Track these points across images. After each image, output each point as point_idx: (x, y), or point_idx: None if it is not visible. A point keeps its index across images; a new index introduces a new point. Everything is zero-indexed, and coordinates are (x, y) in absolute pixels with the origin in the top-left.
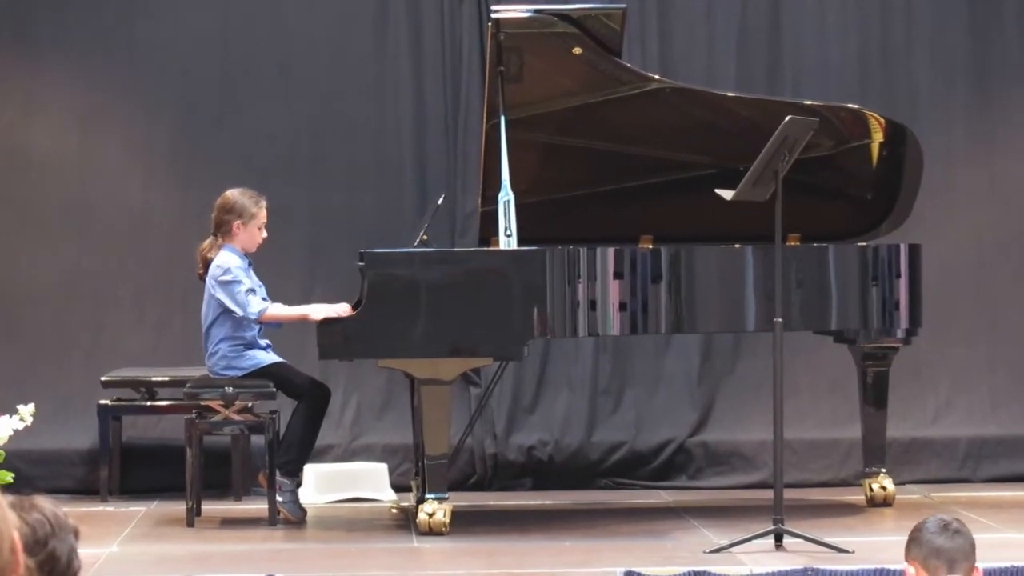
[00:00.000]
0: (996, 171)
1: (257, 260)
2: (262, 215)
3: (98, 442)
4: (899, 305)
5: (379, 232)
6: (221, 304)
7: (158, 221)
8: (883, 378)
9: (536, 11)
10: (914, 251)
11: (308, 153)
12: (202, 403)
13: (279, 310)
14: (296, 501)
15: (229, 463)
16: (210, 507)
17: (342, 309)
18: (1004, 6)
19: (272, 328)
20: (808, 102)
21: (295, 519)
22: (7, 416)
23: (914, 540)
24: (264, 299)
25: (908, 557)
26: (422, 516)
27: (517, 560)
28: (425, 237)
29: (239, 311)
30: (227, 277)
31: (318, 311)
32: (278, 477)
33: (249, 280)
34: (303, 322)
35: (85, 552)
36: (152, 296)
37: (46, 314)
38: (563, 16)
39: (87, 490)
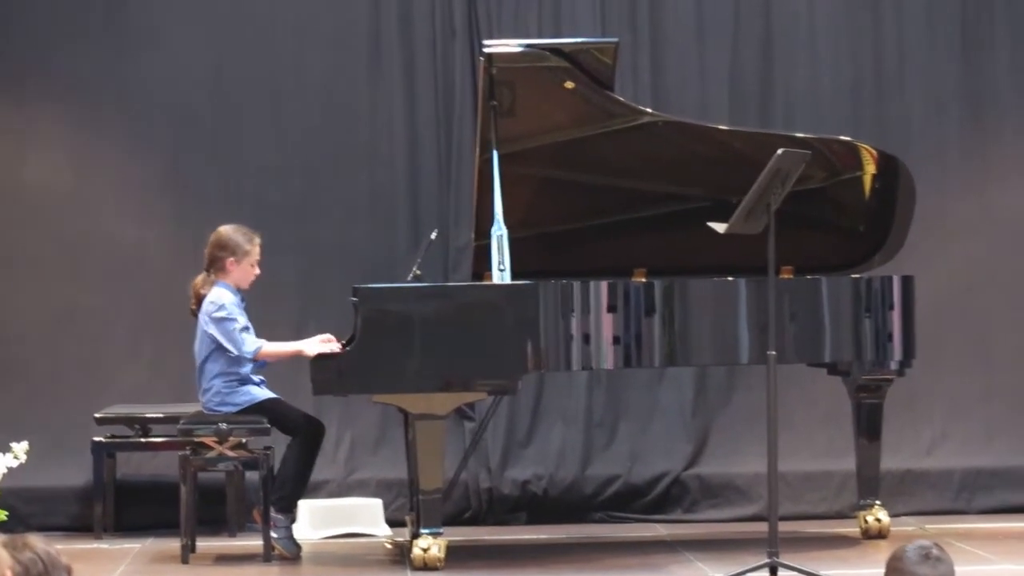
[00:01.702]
0: (989, 202)
1: (250, 295)
2: (256, 252)
3: (92, 479)
4: (892, 337)
5: (372, 267)
6: (215, 340)
7: (152, 257)
8: (877, 410)
9: (528, 45)
10: (907, 283)
11: (301, 188)
12: (196, 439)
13: (273, 348)
14: (291, 537)
15: (223, 499)
16: (205, 543)
17: (335, 345)
18: (996, 38)
19: (258, 365)
20: (800, 134)
21: (290, 555)
22: (1, 454)
23: (896, 570)
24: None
25: None
26: (417, 551)
27: None
28: (418, 272)
29: (234, 350)
30: (221, 314)
31: (311, 347)
32: (272, 513)
33: (243, 317)
34: (297, 358)
35: None
36: (146, 333)
37: (40, 351)
38: (555, 50)
39: (81, 527)
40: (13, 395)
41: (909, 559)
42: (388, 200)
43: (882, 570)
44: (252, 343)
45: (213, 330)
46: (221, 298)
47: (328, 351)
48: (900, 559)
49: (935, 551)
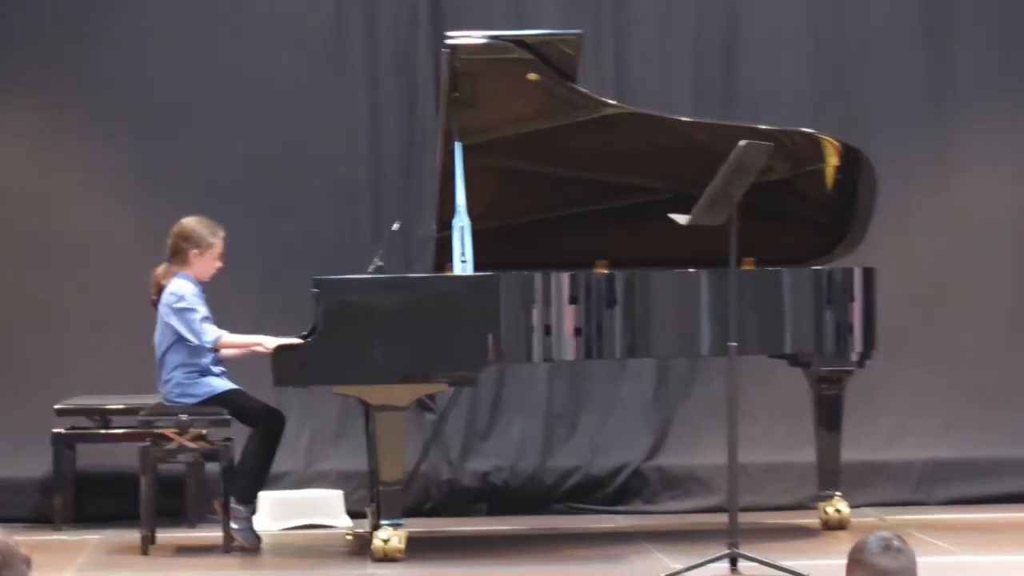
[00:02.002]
0: (951, 195)
1: (211, 286)
2: (219, 245)
3: (52, 470)
4: (853, 329)
5: (334, 258)
6: (175, 331)
7: (114, 248)
8: (837, 401)
9: (492, 37)
10: (868, 275)
11: (263, 179)
12: (157, 431)
13: (233, 339)
14: (251, 528)
15: (184, 491)
16: (165, 535)
17: (295, 341)
18: (959, 31)
19: (219, 356)
20: (763, 126)
21: (250, 546)
22: None
23: (857, 562)
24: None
25: None
26: (377, 542)
27: None
28: (380, 263)
29: (194, 340)
30: (182, 304)
31: (271, 341)
32: (233, 504)
33: (204, 308)
34: (258, 349)
35: None
36: (107, 323)
37: (0, 342)
38: (519, 42)
39: (41, 519)
40: None
41: (870, 550)
42: (351, 191)
43: (842, 561)
44: (212, 333)
45: (173, 321)
46: (182, 289)
47: (288, 343)
48: (861, 550)
49: (896, 542)
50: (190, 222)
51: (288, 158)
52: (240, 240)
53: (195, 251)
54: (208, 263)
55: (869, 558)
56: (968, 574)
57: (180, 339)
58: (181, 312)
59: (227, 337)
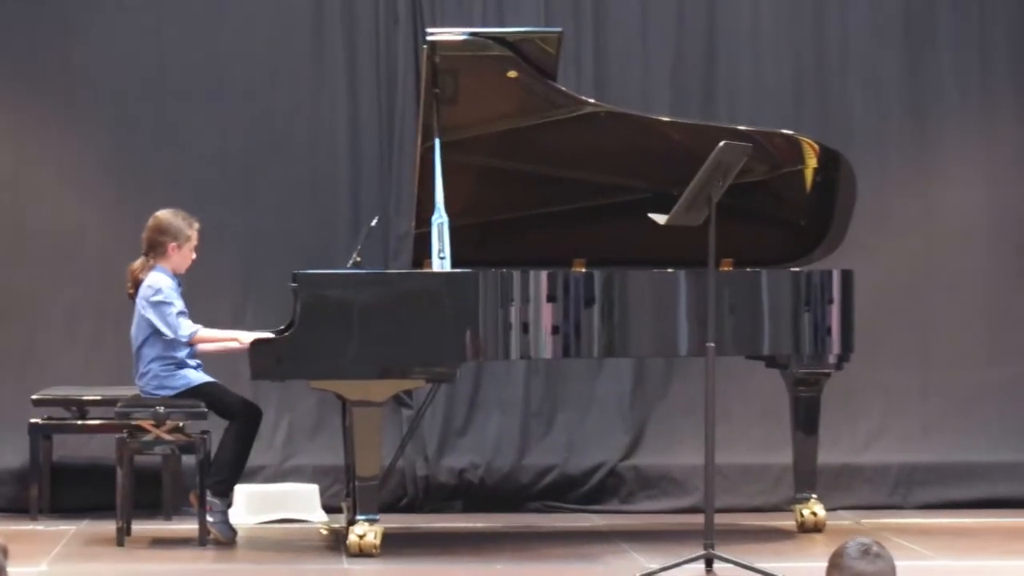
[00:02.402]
0: (929, 198)
1: (189, 280)
2: (195, 237)
3: (28, 461)
4: (831, 331)
5: (312, 253)
6: (152, 324)
7: (91, 240)
8: (815, 403)
9: (472, 34)
10: (847, 277)
11: (241, 174)
12: (133, 423)
13: (209, 333)
14: (226, 521)
15: (160, 483)
16: (140, 527)
17: (270, 336)
18: (938, 34)
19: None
20: (742, 127)
21: (225, 539)
22: None
23: (835, 566)
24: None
25: None
26: (352, 538)
27: None
28: (358, 259)
29: (169, 333)
30: (159, 298)
31: (247, 336)
32: (209, 497)
33: (180, 302)
34: (233, 344)
35: (14, 571)
36: (84, 315)
37: None
38: (499, 39)
39: (17, 509)
40: None
41: (849, 555)
42: (329, 187)
43: (818, 564)
44: (188, 327)
45: (150, 314)
46: (159, 282)
47: (264, 337)
48: (841, 555)
49: (875, 548)
50: (166, 215)
51: (266, 153)
52: (218, 235)
53: (173, 243)
54: (185, 255)
55: (848, 562)
56: None
57: (156, 332)
58: (157, 306)
59: (203, 332)
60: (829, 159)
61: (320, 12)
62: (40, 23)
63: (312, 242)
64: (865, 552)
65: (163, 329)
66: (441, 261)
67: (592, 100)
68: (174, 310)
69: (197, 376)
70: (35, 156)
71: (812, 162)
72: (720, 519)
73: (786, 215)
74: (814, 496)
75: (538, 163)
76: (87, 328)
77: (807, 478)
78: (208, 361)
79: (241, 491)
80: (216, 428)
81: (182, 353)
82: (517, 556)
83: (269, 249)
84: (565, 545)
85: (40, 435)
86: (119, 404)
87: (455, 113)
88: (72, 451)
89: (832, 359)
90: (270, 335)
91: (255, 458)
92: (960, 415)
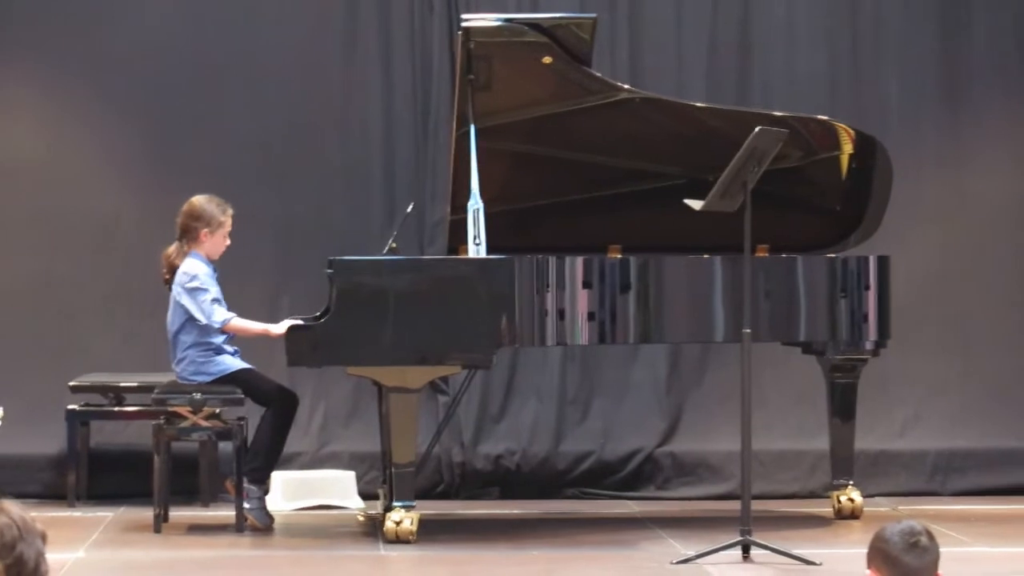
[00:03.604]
0: (965, 183)
1: (224, 267)
2: (228, 223)
3: (66, 447)
4: (868, 317)
5: (348, 240)
6: (187, 311)
7: (127, 227)
8: (851, 390)
9: (506, 20)
10: (883, 263)
11: (277, 160)
12: (170, 409)
13: (242, 323)
14: (263, 508)
15: (196, 469)
16: (177, 513)
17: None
18: (974, 19)
19: (230, 336)
20: (778, 113)
21: (262, 526)
22: None
23: (879, 552)
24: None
25: (871, 565)
26: (389, 524)
27: (483, 569)
28: (394, 245)
29: (203, 319)
30: (194, 284)
31: (279, 328)
32: (245, 484)
33: (215, 288)
34: (265, 337)
35: (52, 557)
36: (121, 301)
37: (15, 318)
38: (533, 25)
39: (54, 495)
40: None
41: (894, 543)
42: (364, 173)
43: (854, 550)
44: (222, 314)
45: (185, 300)
46: (194, 269)
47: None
48: (886, 540)
49: (924, 540)
50: (200, 200)
51: (302, 140)
52: (254, 221)
53: (205, 229)
54: (218, 241)
55: (893, 551)
56: (981, 565)
57: (192, 318)
58: (192, 292)
59: (236, 321)
60: (865, 145)
61: None
62: (75, 9)
63: (348, 228)
64: (913, 544)
65: (197, 315)
66: (477, 247)
67: (626, 86)
68: (208, 296)
69: (234, 362)
70: (70, 142)
71: (848, 148)
72: (756, 505)
73: (822, 201)
74: (851, 482)
75: (573, 149)
76: (124, 314)
77: (844, 464)
78: (244, 348)
79: (278, 478)
80: (253, 415)
81: (219, 339)
82: (553, 542)
83: (305, 235)
84: (601, 532)
85: (77, 422)
86: (156, 391)
87: (490, 99)
88: (109, 437)
89: (869, 345)
90: (300, 323)
91: (291, 445)
92: (997, 401)
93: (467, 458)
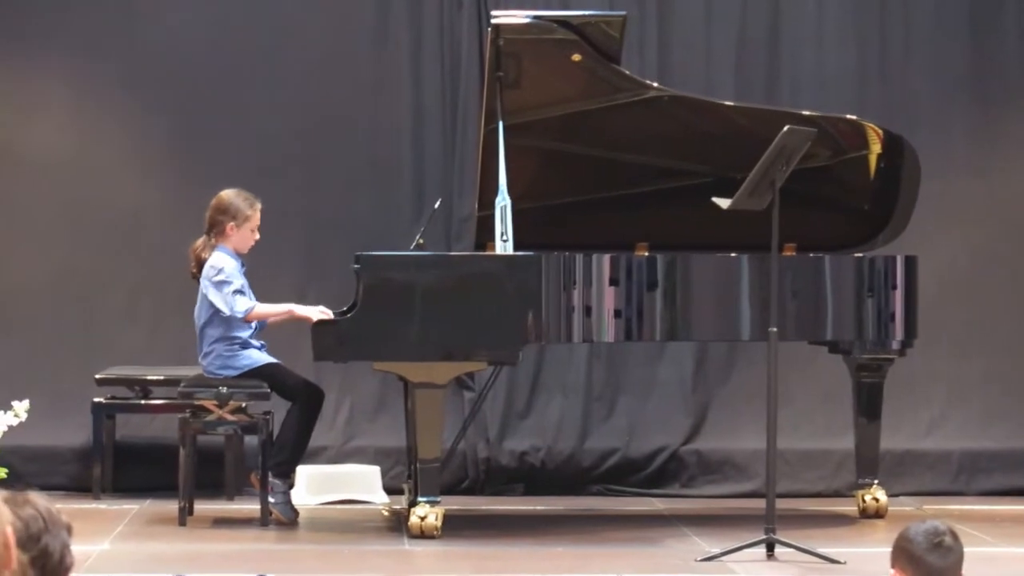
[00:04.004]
0: (993, 184)
1: (252, 262)
2: (256, 217)
3: (91, 440)
4: (894, 317)
5: (375, 235)
6: (213, 304)
7: (153, 220)
8: (877, 389)
9: (536, 17)
10: (910, 263)
11: (305, 155)
12: (196, 402)
13: (265, 308)
14: (288, 502)
15: (222, 463)
16: (202, 507)
17: (327, 313)
18: (1004, 19)
19: (259, 327)
20: (806, 112)
21: (287, 520)
22: (1, 412)
23: (903, 552)
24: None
25: (895, 565)
26: (414, 519)
27: (508, 565)
28: (421, 241)
29: (226, 310)
30: (219, 277)
31: (302, 309)
32: (270, 478)
33: (240, 281)
34: (290, 320)
35: (77, 549)
36: (147, 295)
37: (41, 311)
38: (563, 23)
39: (80, 487)
40: (14, 354)
41: (919, 543)
42: (392, 169)
43: (879, 549)
44: (244, 304)
45: (210, 293)
46: (221, 262)
47: (318, 314)
48: (910, 540)
49: (948, 540)
50: (228, 194)
51: (330, 135)
52: (281, 216)
53: (232, 223)
54: (245, 235)
55: (917, 551)
56: (1007, 566)
57: (218, 312)
58: (217, 284)
59: (259, 308)
60: (893, 144)
61: None
62: (103, 4)
63: (375, 224)
64: (938, 544)
65: (220, 306)
66: (504, 244)
67: (655, 84)
68: (232, 288)
69: (260, 357)
70: (97, 136)
71: (876, 147)
72: (781, 504)
73: (849, 200)
74: (876, 482)
75: (601, 147)
76: (150, 307)
77: (869, 464)
78: (271, 342)
79: (303, 472)
80: (279, 409)
81: (246, 333)
82: (577, 539)
83: (332, 231)
84: (626, 529)
85: (103, 414)
86: (182, 384)
87: (518, 96)
88: (135, 430)
89: (895, 345)
90: (327, 311)
91: (317, 439)
92: (1023, 401)
93: (492, 454)
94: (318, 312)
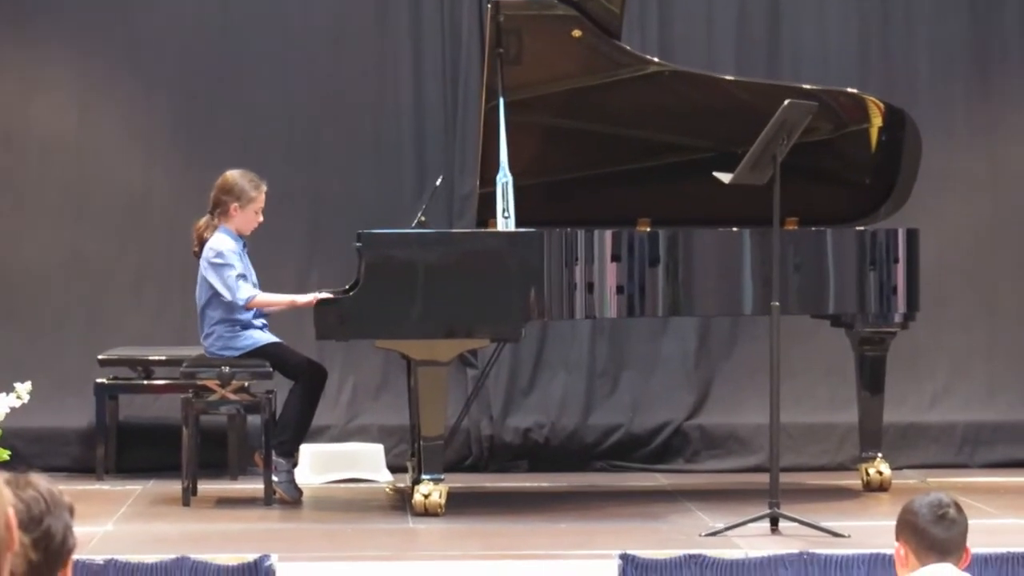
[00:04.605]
0: (995, 156)
1: (254, 241)
2: (260, 199)
3: (94, 421)
4: (897, 290)
5: (377, 213)
6: (213, 286)
7: (157, 201)
8: (880, 363)
9: None
10: (912, 236)
11: (306, 134)
12: (199, 383)
13: (267, 297)
14: (292, 481)
15: (225, 443)
16: (206, 486)
17: (329, 296)
18: None
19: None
20: (807, 86)
21: (291, 499)
22: (4, 394)
23: (907, 524)
24: (254, 285)
25: (899, 537)
26: (418, 497)
27: (512, 542)
28: (423, 218)
29: (228, 295)
30: (219, 260)
31: (304, 298)
32: (274, 457)
33: (241, 264)
34: (291, 309)
35: (80, 530)
36: (150, 276)
37: (44, 293)
38: None
39: (83, 468)
40: (17, 336)
41: (923, 515)
42: (394, 147)
43: (882, 522)
44: (246, 291)
45: (210, 275)
46: (220, 244)
47: (324, 297)
48: (914, 513)
49: (952, 511)
50: (233, 175)
51: (331, 114)
52: (283, 194)
53: (235, 204)
54: (248, 217)
55: (921, 523)
56: (1010, 537)
57: (218, 294)
58: (217, 268)
59: (261, 297)
60: (894, 118)
61: None
62: None
63: (377, 202)
64: (941, 518)
65: (222, 291)
66: (506, 221)
67: (656, 59)
68: (233, 272)
69: (262, 336)
70: (100, 118)
71: (877, 121)
72: (785, 478)
73: (851, 174)
74: (880, 455)
75: (602, 122)
76: (152, 288)
77: (872, 437)
78: (273, 321)
79: (306, 451)
80: (281, 388)
81: (246, 315)
82: (582, 515)
83: (334, 209)
84: (630, 504)
85: (106, 395)
86: (184, 364)
87: (519, 72)
88: (138, 411)
89: (897, 318)
90: (329, 295)
91: (320, 418)
92: None
93: (496, 431)
94: (321, 296)
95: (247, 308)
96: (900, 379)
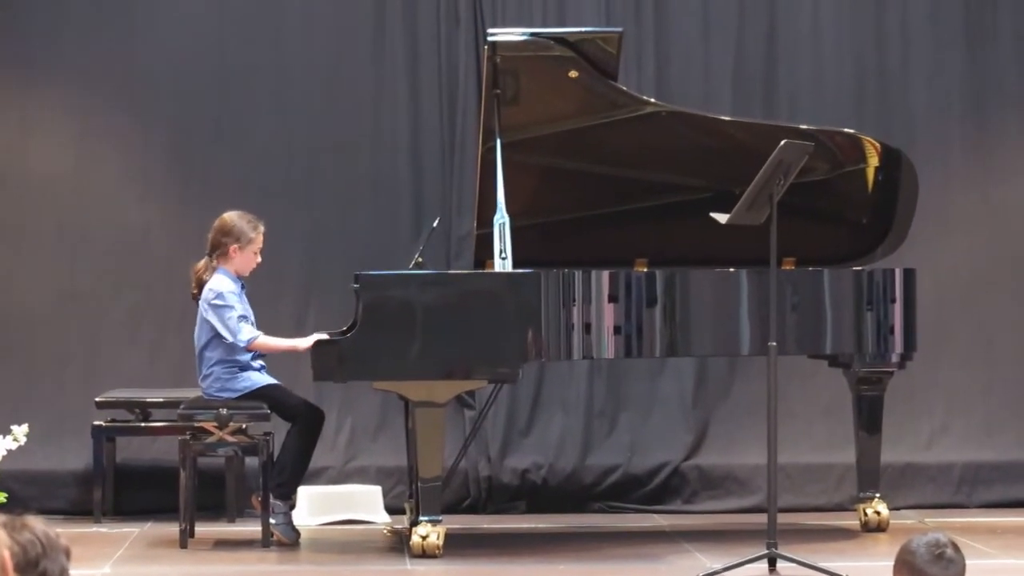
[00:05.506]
0: (991, 195)
1: (251, 280)
2: (259, 240)
3: (92, 463)
4: (894, 330)
5: (374, 254)
6: (213, 327)
7: (154, 241)
8: (878, 402)
9: (533, 34)
10: (909, 275)
11: (304, 174)
12: (196, 424)
13: (268, 341)
14: (289, 523)
15: (223, 485)
16: (203, 529)
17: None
18: (1000, 31)
19: (256, 353)
20: (804, 126)
21: (288, 541)
22: (1, 436)
23: (905, 564)
24: (254, 326)
25: None
26: (416, 539)
27: None
28: (420, 259)
29: (230, 337)
30: (219, 302)
31: (306, 342)
32: (271, 499)
33: (241, 306)
34: (292, 353)
35: (77, 573)
36: (147, 317)
37: (41, 334)
38: (560, 39)
39: (80, 511)
40: (14, 377)
41: (921, 556)
42: (391, 187)
43: (881, 563)
44: (248, 333)
45: (211, 317)
46: (220, 286)
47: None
48: (912, 553)
49: (949, 551)
50: (231, 216)
51: (328, 154)
52: (280, 235)
53: (235, 245)
54: (248, 258)
55: (919, 563)
56: None
57: (218, 335)
58: (217, 309)
59: (262, 339)
60: (890, 157)
61: (382, 12)
62: (102, 23)
63: (374, 243)
64: (939, 556)
65: (224, 333)
66: (503, 261)
67: (653, 100)
68: (234, 314)
69: (260, 378)
70: (98, 156)
71: (873, 160)
72: (783, 518)
73: (848, 214)
74: (878, 495)
75: (599, 163)
76: (150, 330)
77: (870, 477)
78: (271, 363)
79: (304, 492)
80: (279, 430)
81: (245, 356)
82: (580, 556)
83: (331, 250)
84: (628, 545)
85: (103, 437)
86: (182, 406)
87: (516, 113)
88: (135, 453)
89: (895, 358)
90: (327, 337)
91: (318, 459)
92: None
93: (494, 472)
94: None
95: (248, 350)
96: (897, 418)
